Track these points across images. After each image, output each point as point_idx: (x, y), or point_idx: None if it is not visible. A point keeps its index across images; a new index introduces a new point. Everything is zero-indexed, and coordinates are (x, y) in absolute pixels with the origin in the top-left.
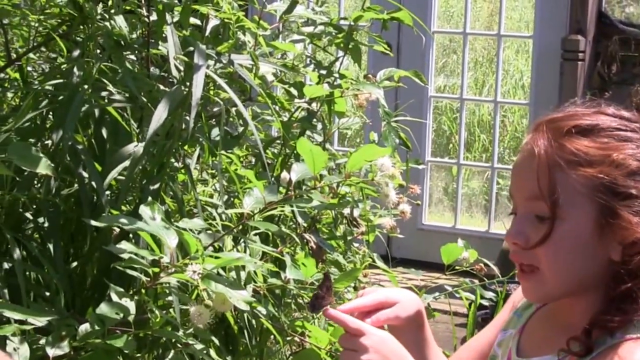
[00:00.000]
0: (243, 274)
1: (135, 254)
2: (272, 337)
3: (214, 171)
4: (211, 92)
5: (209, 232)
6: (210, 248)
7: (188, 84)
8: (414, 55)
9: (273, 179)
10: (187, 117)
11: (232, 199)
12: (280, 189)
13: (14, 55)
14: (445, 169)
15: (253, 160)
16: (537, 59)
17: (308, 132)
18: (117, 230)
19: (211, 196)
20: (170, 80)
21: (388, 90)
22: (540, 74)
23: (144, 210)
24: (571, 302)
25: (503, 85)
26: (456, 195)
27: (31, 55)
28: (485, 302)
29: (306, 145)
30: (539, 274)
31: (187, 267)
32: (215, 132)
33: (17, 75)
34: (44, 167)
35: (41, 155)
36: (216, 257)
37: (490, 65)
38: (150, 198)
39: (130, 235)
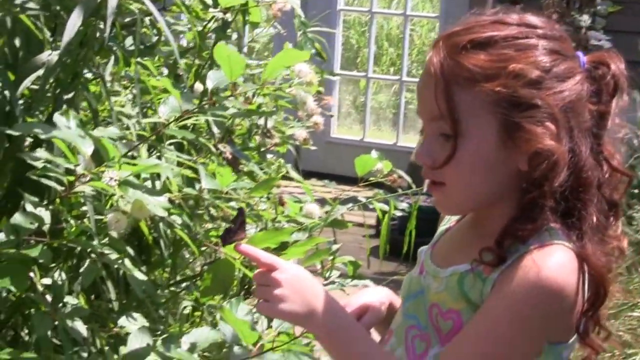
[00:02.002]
0: (158, 183)
1: (50, 163)
2: (186, 248)
3: (125, 82)
4: (126, 1)
5: (124, 141)
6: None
7: None
8: None
9: (186, 90)
10: (101, 26)
11: (145, 110)
12: (195, 100)
13: None
14: (353, 83)
15: (165, 71)
16: None
17: (222, 43)
18: (30, 140)
19: (122, 106)
20: None
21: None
22: None
23: (58, 118)
24: (486, 212)
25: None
26: (364, 109)
27: None
28: (398, 213)
29: (224, 51)
30: (446, 189)
31: (103, 175)
32: (129, 41)
33: None
34: None
35: None
36: (133, 165)
37: None
38: (66, 107)
39: (44, 146)
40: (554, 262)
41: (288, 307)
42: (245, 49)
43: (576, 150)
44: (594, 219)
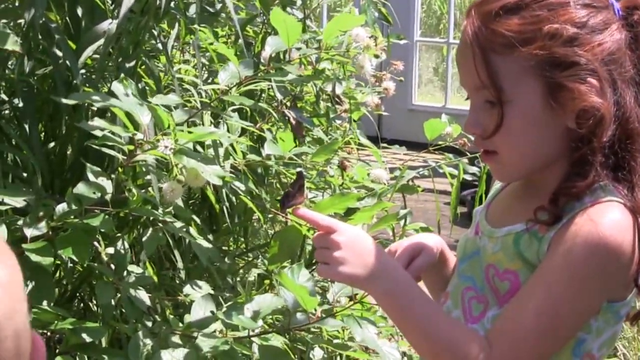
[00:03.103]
0: (221, 150)
1: (111, 132)
2: (255, 216)
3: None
4: None
5: (185, 108)
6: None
7: None
8: None
9: (254, 57)
10: None
11: (213, 78)
12: (262, 66)
13: None
14: (435, 49)
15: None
16: None
17: (288, 9)
18: (95, 109)
19: (196, 77)
20: None
21: None
22: None
23: (116, 86)
24: (540, 174)
25: None
26: (446, 75)
27: None
28: (468, 177)
29: (280, 16)
30: (500, 157)
31: (158, 144)
32: (192, 9)
33: None
34: (11, 44)
35: (8, 31)
36: (190, 132)
37: None
38: (124, 75)
39: (108, 115)
40: (609, 219)
41: (348, 269)
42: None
43: (621, 102)
44: None
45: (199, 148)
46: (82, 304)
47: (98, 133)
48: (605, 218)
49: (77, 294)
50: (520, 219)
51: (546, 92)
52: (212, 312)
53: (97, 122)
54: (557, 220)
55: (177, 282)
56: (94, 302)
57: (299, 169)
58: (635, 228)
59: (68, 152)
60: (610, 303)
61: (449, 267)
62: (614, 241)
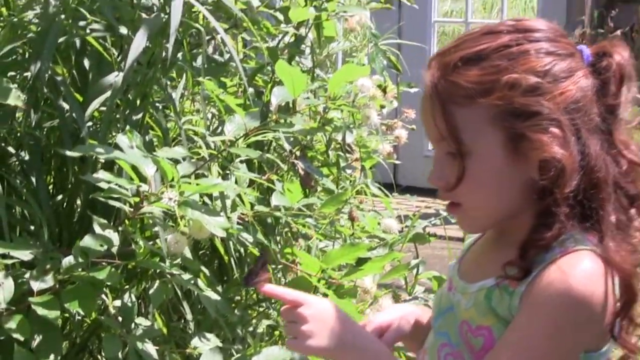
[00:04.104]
0: (228, 202)
1: (116, 184)
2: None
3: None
4: (201, 21)
5: (193, 160)
6: (194, 176)
7: (169, 11)
8: None
9: (264, 106)
10: (167, 46)
11: (222, 128)
12: (271, 115)
13: None
14: None
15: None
16: None
17: (297, 58)
18: (102, 162)
19: (207, 128)
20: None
21: (389, 15)
22: None
23: (121, 139)
24: (507, 224)
25: (512, 7)
26: None
27: None
28: None
29: (285, 68)
30: (464, 209)
31: (162, 195)
32: (200, 60)
33: (2, 9)
34: (13, 99)
35: (11, 86)
36: (196, 185)
37: None
38: (129, 127)
39: (115, 167)
40: (579, 270)
41: (316, 342)
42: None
43: (585, 151)
44: (614, 218)
45: (206, 200)
46: (90, 357)
47: (104, 185)
48: (575, 269)
49: (86, 347)
50: (491, 273)
51: (507, 142)
52: None
53: (103, 174)
54: (527, 274)
55: (187, 334)
56: (103, 355)
57: (263, 248)
58: (607, 276)
59: (76, 205)
60: (587, 354)
61: (426, 334)
62: (586, 292)
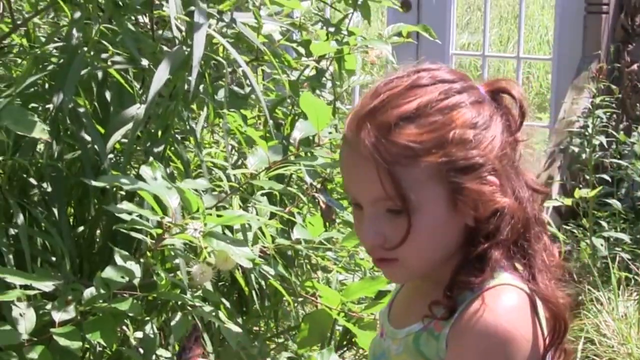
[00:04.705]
0: (250, 234)
1: (139, 216)
2: (284, 298)
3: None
4: (221, 53)
5: (214, 192)
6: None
7: (190, 43)
8: (435, 12)
9: (283, 139)
10: (190, 78)
11: (243, 160)
12: (292, 148)
13: (19, 21)
14: None
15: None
16: (560, 12)
17: (317, 91)
18: (123, 193)
19: (225, 159)
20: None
21: (407, 48)
22: (564, 28)
23: (144, 170)
24: (438, 268)
25: (528, 41)
26: None
27: (37, 20)
28: None
29: (309, 101)
30: (400, 264)
31: (187, 226)
32: (221, 93)
33: (23, 40)
34: (39, 132)
35: (36, 119)
36: (218, 216)
37: (515, 22)
38: (152, 159)
39: (136, 199)
40: (503, 305)
41: None
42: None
43: (518, 194)
44: (543, 254)
45: (227, 232)
46: None
47: (126, 217)
48: (499, 304)
49: None
50: (418, 317)
51: (451, 196)
52: None
53: (126, 205)
54: (453, 313)
55: None
56: None
57: (193, 322)
58: (533, 311)
59: (95, 236)
60: None
61: None
62: (511, 326)
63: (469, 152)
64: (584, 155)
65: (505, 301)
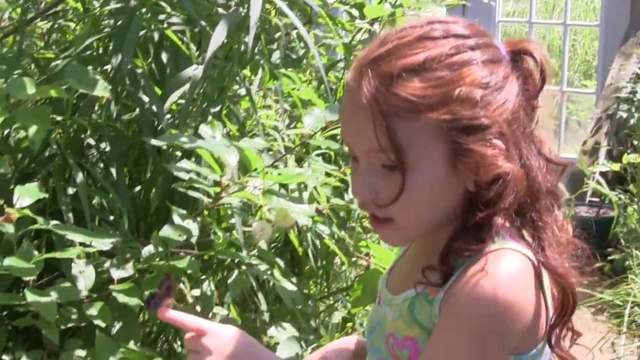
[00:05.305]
0: (305, 194)
1: (197, 174)
2: (337, 259)
3: (277, 97)
4: (273, 16)
5: (270, 152)
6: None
7: (246, 6)
8: None
9: (336, 102)
10: (246, 40)
11: (295, 123)
12: None
13: None
14: None
15: (316, 84)
16: None
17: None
18: (179, 154)
19: (276, 120)
20: (231, 3)
21: (454, 13)
22: None
23: (203, 129)
24: (435, 234)
25: (574, 8)
26: (560, 125)
27: None
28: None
29: None
30: (394, 224)
31: (247, 184)
32: (276, 55)
33: (78, 4)
34: (101, 89)
35: (98, 77)
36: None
37: None
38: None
39: (192, 159)
40: (503, 272)
41: None
42: None
43: (526, 162)
44: (554, 228)
45: (283, 191)
46: (166, 345)
47: (184, 175)
48: (499, 269)
49: (161, 336)
50: (412, 284)
51: (452, 156)
52: (297, 353)
53: (185, 164)
54: (448, 279)
55: (259, 324)
56: (179, 343)
57: (167, 271)
58: (536, 278)
59: (152, 196)
60: (519, 355)
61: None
62: (509, 294)
63: (474, 112)
64: (631, 121)
65: (506, 266)
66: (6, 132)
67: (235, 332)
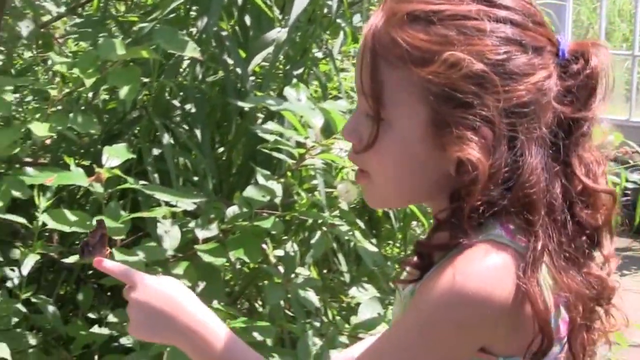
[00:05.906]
0: None
1: (281, 136)
2: (414, 222)
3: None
4: None
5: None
6: None
7: None
8: None
9: None
10: (329, 2)
11: None
12: None
13: None
14: None
15: None
16: None
17: None
18: (262, 116)
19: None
20: None
21: None
22: None
23: (288, 91)
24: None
25: None
26: (631, 87)
27: None
28: (629, 185)
29: None
30: (370, 179)
31: (332, 146)
32: (357, 18)
33: None
34: (191, 50)
35: (187, 39)
36: None
37: None
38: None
39: (275, 120)
40: (471, 263)
41: (134, 330)
42: None
43: (519, 163)
44: (551, 246)
45: None
46: (248, 304)
47: (269, 137)
48: (474, 264)
49: (243, 295)
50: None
51: (430, 124)
52: (379, 313)
53: (270, 125)
54: (425, 272)
55: (339, 284)
56: (259, 303)
57: (99, 218)
58: (524, 272)
59: (234, 157)
60: (508, 358)
61: None
62: (474, 284)
63: (467, 85)
64: None
65: (477, 258)
66: (92, 94)
67: (166, 286)
